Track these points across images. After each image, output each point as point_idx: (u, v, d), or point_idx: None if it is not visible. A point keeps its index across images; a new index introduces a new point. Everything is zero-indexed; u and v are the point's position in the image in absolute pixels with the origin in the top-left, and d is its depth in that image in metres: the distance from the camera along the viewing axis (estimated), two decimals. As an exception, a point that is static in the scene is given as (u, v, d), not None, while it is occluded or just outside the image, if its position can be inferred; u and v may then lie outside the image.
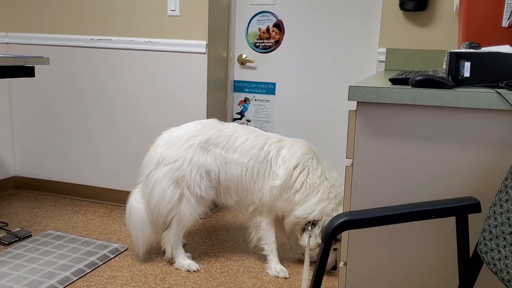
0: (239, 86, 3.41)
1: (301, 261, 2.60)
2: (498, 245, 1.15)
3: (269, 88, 3.34)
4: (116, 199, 3.39)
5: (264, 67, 3.34)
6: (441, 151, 1.39)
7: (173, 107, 3.14)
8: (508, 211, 1.14)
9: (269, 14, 3.26)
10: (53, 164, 3.53)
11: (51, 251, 2.57)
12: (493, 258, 1.16)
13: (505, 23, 1.77)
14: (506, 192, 1.16)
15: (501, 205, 1.17)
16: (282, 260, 2.56)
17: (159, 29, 3.09)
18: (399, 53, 2.71)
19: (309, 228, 2.36)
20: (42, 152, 3.55)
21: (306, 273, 2.12)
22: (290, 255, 2.67)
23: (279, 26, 3.26)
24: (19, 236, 2.73)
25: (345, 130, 3.21)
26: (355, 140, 1.46)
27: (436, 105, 1.36)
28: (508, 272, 1.11)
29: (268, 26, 3.28)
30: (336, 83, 3.18)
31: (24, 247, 2.61)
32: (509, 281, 1.10)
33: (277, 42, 3.28)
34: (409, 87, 1.41)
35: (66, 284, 2.25)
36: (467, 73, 1.38)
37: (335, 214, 1.48)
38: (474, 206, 1.24)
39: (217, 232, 2.96)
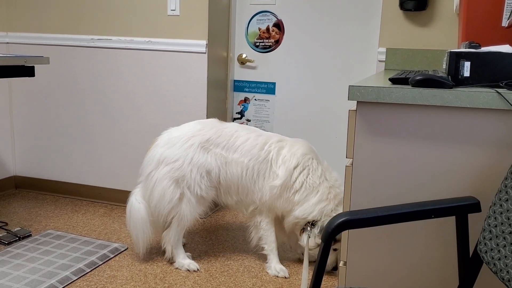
0: (239, 86, 3.41)
1: (301, 261, 2.60)
2: (498, 245, 1.15)
3: (269, 88, 3.34)
4: (116, 198, 3.39)
5: (264, 67, 3.34)
6: (441, 150, 1.39)
7: (173, 107, 3.14)
8: (508, 210, 1.15)
9: (269, 13, 3.27)
10: (53, 164, 3.53)
11: (51, 250, 2.57)
12: (493, 258, 1.16)
13: (505, 22, 1.77)
14: (506, 192, 1.16)
15: (501, 205, 1.17)
16: (282, 259, 2.56)
17: (159, 29, 3.09)
18: (399, 53, 2.71)
19: (309, 228, 2.36)
20: (42, 151, 3.55)
21: (306, 272, 2.12)
22: (290, 255, 2.67)
23: (279, 25, 3.26)
24: (19, 235, 2.73)
25: (345, 129, 3.21)
26: (355, 140, 1.46)
27: (436, 105, 1.36)
28: (508, 271, 1.11)
29: (268, 25, 3.28)
30: (336, 83, 3.18)
31: (24, 246, 2.61)
32: (508, 280, 1.10)
33: (277, 42, 3.28)
34: (409, 86, 1.41)
35: (66, 284, 2.25)
36: (467, 73, 1.38)
37: (334, 215, 1.48)
38: (474, 206, 1.24)
39: (217, 232, 2.96)
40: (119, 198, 3.36)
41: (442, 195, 1.41)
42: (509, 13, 1.75)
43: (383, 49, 2.74)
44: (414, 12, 2.66)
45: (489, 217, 1.20)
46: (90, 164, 3.42)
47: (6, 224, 2.96)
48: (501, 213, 1.16)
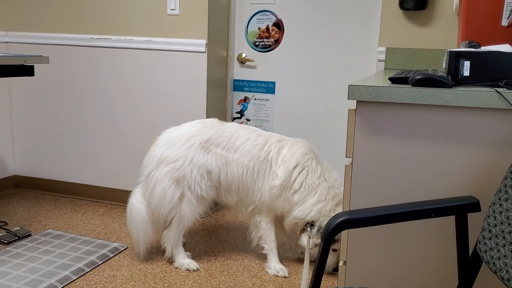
0: (239, 85, 3.41)
1: (300, 260, 2.60)
2: (497, 244, 1.15)
3: (268, 87, 3.34)
4: (115, 198, 3.39)
5: (263, 66, 3.33)
6: (440, 150, 1.39)
7: (173, 106, 3.14)
8: (507, 210, 1.15)
9: (268, 13, 3.26)
10: (52, 164, 3.53)
11: (50, 250, 2.57)
12: (492, 257, 1.16)
13: (504, 22, 1.77)
14: (506, 191, 1.16)
15: (500, 204, 1.17)
16: (282, 259, 2.56)
17: (159, 28, 3.09)
18: (399, 52, 2.71)
19: (308, 228, 2.36)
20: (42, 151, 3.55)
21: (306, 272, 2.12)
22: (290, 254, 2.67)
23: (278, 25, 3.25)
24: (18, 235, 2.73)
25: (344, 129, 3.21)
26: (355, 139, 1.46)
27: (435, 104, 1.36)
28: (507, 271, 1.11)
29: (268, 25, 3.28)
30: (335, 82, 3.18)
31: (24, 246, 2.61)
32: (508, 280, 1.10)
33: (277, 41, 3.28)
34: (409, 86, 1.41)
35: (65, 283, 2.25)
36: (466, 72, 1.38)
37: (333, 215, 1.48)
38: (473, 205, 1.24)
39: (216, 231, 2.96)
40: (119, 197, 3.36)
41: (441, 195, 1.41)
42: (508, 13, 1.75)
43: (383, 49, 2.74)
44: (414, 11, 2.66)
45: (488, 216, 1.20)
46: (90, 164, 3.42)
47: (6, 223, 2.96)
48: (501, 212, 1.16)
